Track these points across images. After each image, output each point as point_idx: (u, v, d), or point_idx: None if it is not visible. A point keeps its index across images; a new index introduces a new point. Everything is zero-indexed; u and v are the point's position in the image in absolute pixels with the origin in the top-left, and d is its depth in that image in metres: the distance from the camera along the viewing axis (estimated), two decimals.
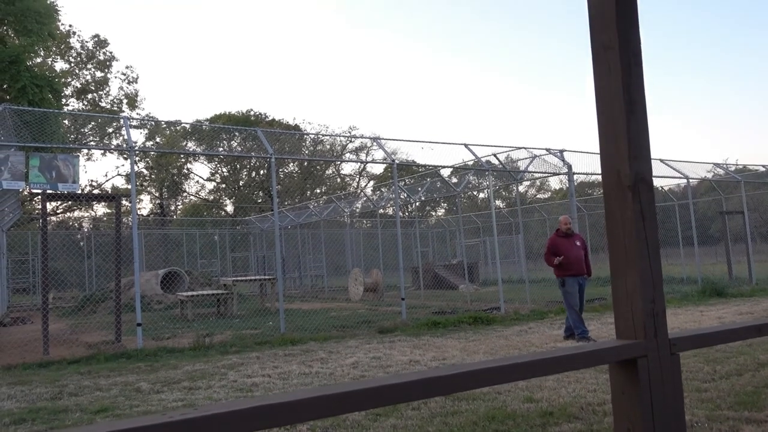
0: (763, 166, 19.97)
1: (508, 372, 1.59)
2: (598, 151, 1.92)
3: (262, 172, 42.39)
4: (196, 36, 72.41)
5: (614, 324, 1.87)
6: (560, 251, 9.08)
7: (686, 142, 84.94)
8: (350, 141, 43.71)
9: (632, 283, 1.79)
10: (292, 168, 43.68)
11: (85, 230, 33.51)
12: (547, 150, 14.63)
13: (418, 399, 1.56)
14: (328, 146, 44.17)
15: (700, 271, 17.47)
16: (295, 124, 44.19)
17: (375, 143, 13.64)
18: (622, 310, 1.82)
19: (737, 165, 22.43)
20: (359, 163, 47.01)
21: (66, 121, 27.01)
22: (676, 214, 20.39)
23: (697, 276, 17.36)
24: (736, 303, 12.84)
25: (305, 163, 42.64)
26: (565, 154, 14.47)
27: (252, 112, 43.93)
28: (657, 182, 19.58)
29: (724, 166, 20.66)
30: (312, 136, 42.33)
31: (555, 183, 46.41)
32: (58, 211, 33.47)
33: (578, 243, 9.24)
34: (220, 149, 39.31)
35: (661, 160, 16.79)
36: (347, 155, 43.86)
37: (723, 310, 11.70)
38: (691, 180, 17.76)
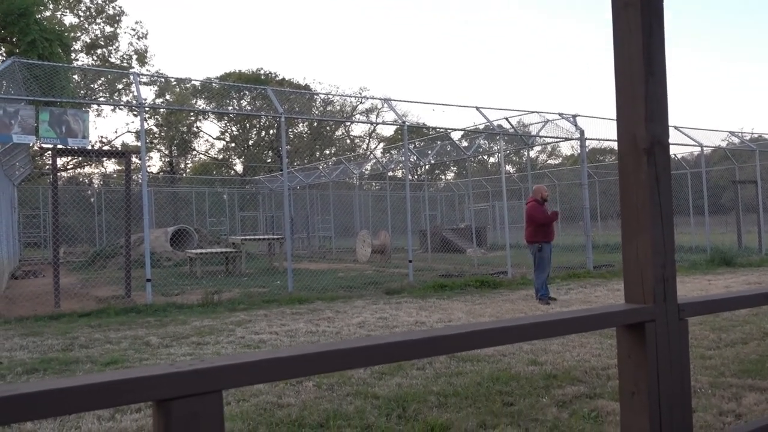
0: None
1: (515, 332, 1.59)
2: (613, 116, 1.88)
3: (271, 131, 42.24)
4: None
5: (623, 289, 1.86)
6: (545, 218, 9.58)
7: (702, 109, 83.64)
8: (361, 102, 43.37)
9: (643, 248, 1.77)
10: (301, 128, 43.48)
11: (96, 186, 33.69)
12: (560, 115, 14.45)
13: (424, 357, 1.56)
14: (339, 107, 43.84)
15: (710, 240, 17.40)
16: (306, 84, 43.80)
17: (386, 105, 13.50)
18: (632, 274, 1.81)
19: (753, 134, 22.09)
20: (369, 125, 46.73)
21: (76, 76, 26.87)
22: (688, 182, 20.20)
23: (706, 245, 17.30)
24: (745, 273, 12.81)
25: (315, 124, 42.41)
26: (577, 119, 14.29)
27: (262, 71, 43.53)
28: (671, 149, 19.33)
29: (740, 134, 20.35)
30: (322, 96, 41.98)
31: (566, 149, 46.06)
32: (68, 167, 33.60)
33: (550, 212, 9.81)
34: (230, 108, 39.10)
35: (676, 127, 16.56)
36: (357, 116, 43.56)
37: (731, 279, 11.68)
38: (705, 148, 17.54)
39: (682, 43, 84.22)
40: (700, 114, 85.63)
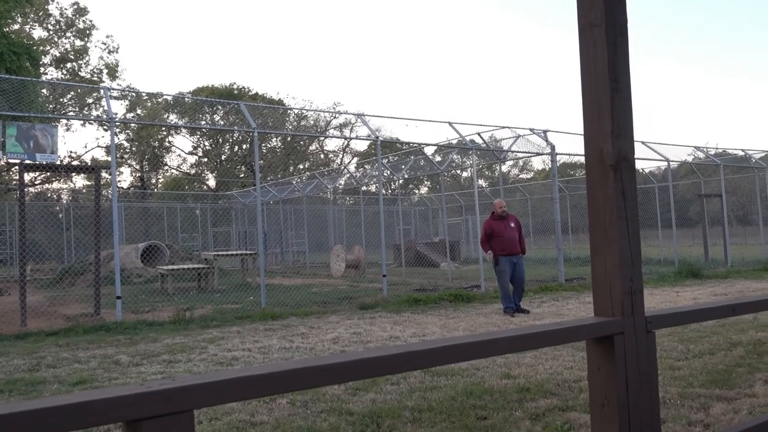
0: (742, 150, 20.20)
1: (487, 347, 1.61)
2: (582, 131, 1.93)
3: (244, 146, 42.01)
4: (178, 6, 71.04)
5: (592, 302, 1.89)
6: (495, 233, 9.71)
7: (668, 124, 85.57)
8: (334, 117, 43.44)
9: (611, 261, 1.80)
10: (275, 143, 43.33)
11: (64, 202, 33.05)
12: (531, 130, 14.66)
13: (398, 372, 1.57)
14: (312, 122, 43.83)
15: (678, 253, 17.73)
16: (279, 99, 43.75)
17: (359, 119, 13.54)
18: (601, 287, 1.84)
19: (717, 149, 22.69)
20: (343, 140, 46.77)
21: (44, 90, 26.44)
22: (655, 196, 20.62)
23: (674, 257, 17.63)
24: (712, 284, 13.07)
25: (289, 139, 42.32)
26: (548, 134, 14.51)
27: (235, 86, 43.38)
28: (638, 164, 19.72)
29: (704, 149, 20.87)
30: (296, 111, 41.94)
31: (538, 163, 46.67)
32: (36, 182, 32.95)
33: (512, 224, 9.85)
34: (203, 122, 38.82)
35: (643, 143, 16.91)
36: (331, 131, 43.59)
37: (698, 290, 11.91)
38: (671, 162, 17.93)
39: (648, 61, 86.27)
40: (667, 129, 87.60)
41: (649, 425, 1.81)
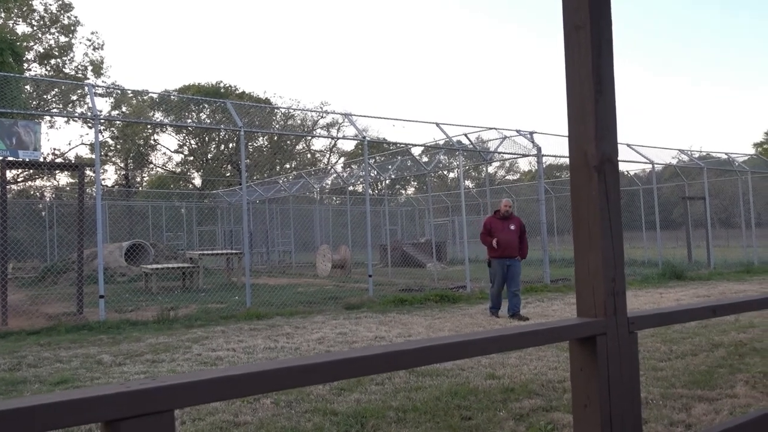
0: (726, 153, 20.44)
1: (471, 347, 1.61)
2: (567, 133, 1.94)
3: (231, 145, 41.79)
4: (165, 3, 70.52)
5: (576, 302, 1.90)
6: (493, 232, 9.34)
7: (653, 127, 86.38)
8: (321, 116, 43.35)
9: (594, 262, 1.82)
10: (261, 142, 43.15)
11: (47, 200, 32.70)
12: (518, 131, 14.72)
13: (383, 372, 1.57)
14: (299, 121, 43.70)
15: (661, 255, 17.90)
16: (266, 98, 43.57)
17: (346, 119, 13.55)
18: (584, 288, 1.86)
19: (701, 152, 22.92)
20: (330, 139, 46.70)
21: (28, 87, 26.17)
22: (640, 198, 20.79)
23: (658, 259, 17.79)
24: (694, 286, 13.21)
25: (275, 138, 42.15)
26: (535, 136, 14.58)
27: (222, 84, 43.15)
28: (623, 166, 19.92)
29: (689, 152, 21.09)
30: (283, 110, 41.81)
31: (524, 165, 46.84)
32: (18, 180, 32.55)
33: (513, 227, 9.38)
34: (189, 121, 38.58)
35: (628, 145, 17.05)
36: (318, 131, 43.50)
37: (681, 292, 12.03)
38: (656, 165, 18.10)
39: (634, 65, 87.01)
40: (652, 132, 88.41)
41: (631, 425, 1.82)
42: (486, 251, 9.70)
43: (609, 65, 1.86)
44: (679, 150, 20.69)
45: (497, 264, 9.34)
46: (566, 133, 1.92)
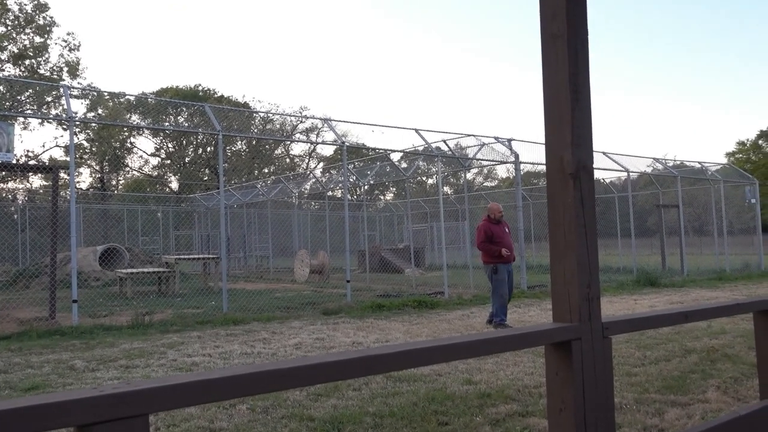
0: (699, 162, 20.81)
1: (447, 352, 1.62)
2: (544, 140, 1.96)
3: (209, 149, 41.48)
4: (143, 6, 69.87)
5: (551, 307, 1.92)
6: (495, 238, 8.97)
7: (629, 136, 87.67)
8: (301, 121, 43.20)
9: (570, 268, 1.84)
10: (240, 146, 42.88)
11: (20, 202, 32.09)
12: (496, 138, 14.84)
13: (360, 376, 1.57)
14: (278, 126, 43.53)
15: (636, 262, 18.14)
16: (245, 102, 43.35)
17: (326, 124, 13.53)
18: (559, 293, 1.87)
19: (675, 161, 23.32)
20: (309, 144, 46.57)
21: (1, 87, 25.71)
22: (615, 205, 21.07)
23: (632, 266, 18.02)
24: (668, 293, 13.40)
25: (254, 142, 41.92)
26: (512, 143, 14.71)
27: (200, 88, 42.83)
28: (599, 174, 20.19)
29: (663, 161, 21.44)
30: (262, 114, 41.61)
31: (502, 171, 47.24)
32: None
33: (507, 230, 9.21)
34: (166, 124, 38.19)
35: (604, 153, 17.29)
36: (297, 135, 43.34)
37: (655, 299, 12.20)
38: (631, 173, 18.36)
39: (610, 75, 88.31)
40: (627, 141, 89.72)
41: (605, 429, 1.84)
42: (481, 257, 9.23)
43: (585, 74, 1.89)
44: (654, 159, 21.03)
45: (504, 269, 8.95)
46: (544, 140, 1.94)
